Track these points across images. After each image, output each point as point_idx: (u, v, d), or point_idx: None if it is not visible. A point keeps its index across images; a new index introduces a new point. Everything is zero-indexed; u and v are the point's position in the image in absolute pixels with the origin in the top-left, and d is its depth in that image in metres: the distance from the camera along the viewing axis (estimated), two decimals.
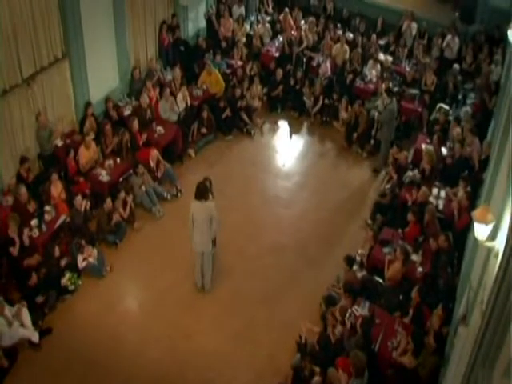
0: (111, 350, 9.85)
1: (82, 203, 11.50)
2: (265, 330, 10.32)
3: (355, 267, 10.68)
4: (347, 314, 9.41)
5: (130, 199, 12.02)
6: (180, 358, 9.83)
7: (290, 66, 16.65)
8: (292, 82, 16.02)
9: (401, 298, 9.97)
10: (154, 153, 12.94)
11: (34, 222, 10.96)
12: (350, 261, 10.52)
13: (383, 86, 15.13)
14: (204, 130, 14.58)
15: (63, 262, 10.68)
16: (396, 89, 15.59)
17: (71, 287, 10.56)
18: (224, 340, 10.14)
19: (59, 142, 12.65)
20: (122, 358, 9.77)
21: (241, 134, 15.05)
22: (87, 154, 12.46)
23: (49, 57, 12.18)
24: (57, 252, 10.63)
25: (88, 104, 13.23)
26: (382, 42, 17.69)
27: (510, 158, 7.28)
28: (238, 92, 15.19)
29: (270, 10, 19.49)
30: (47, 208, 11.29)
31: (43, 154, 12.42)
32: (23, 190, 11.06)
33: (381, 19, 18.14)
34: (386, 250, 10.84)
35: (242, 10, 18.40)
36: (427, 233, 11.01)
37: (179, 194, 12.96)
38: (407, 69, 16.46)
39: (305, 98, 15.80)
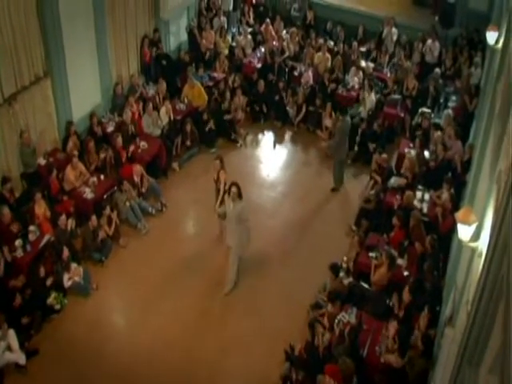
0: (99, 368, 9.75)
1: (66, 223, 11.44)
2: (253, 340, 10.30)
3: (342, 274, 10.65)
4: (336, 321, 9.40)
5: (114, 216, 11.96)
6: (170, 371, 9.78)
7: (273, 76, 16.67)
8: (274, 91, 16.03)
9: (388, 302, 9.95)
10: (138, 168, 12.88)
11: (18, 243, 10.86)
12: (335, 269, 10.50)
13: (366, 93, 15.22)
14: (188, 144, 14.56)
15: (48, 282, 10.57)
16: (378, 95, 15.65)
17: (57, 307, 10.46)
18: (213, 350, 10.12)
19: (42, 161, 12.56)
20: (111, 376, 9.66)
21: (225, 146, 15.01)
22: (74, 173, 12.39)
23: (30, 76, 12.12)
24: (42, 272, 10.52)
25: (70, 123, 13.16)
26: (363, 49, 17.77)
27: (491, 159, 7.31)
28: (223, 106, 15.26)
29: (252, 21, 19.53)
30: (31, 228, 11.18)
31: (27, 172, 12.34)
32: (6, 210, 10.98)
33: (361, 26, 18.20)
34: (372, 254, 10.85)
35: (224, 21, 18.44)
36: (412, 237, 11.03)
37: (164, 209, 12.92)
38: (389, 75, 16.53)
39: (288, 108, 15.82)
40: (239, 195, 10.61)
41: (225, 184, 11.42)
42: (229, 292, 11.14)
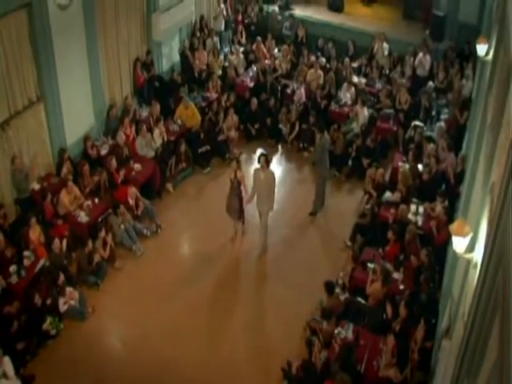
0: None
1: (60, 247, 11.38)
2: (250, 358, 10.24)
3: (337, 290, 10.63)
4: (335, 335, 9.35)
5: (109, 239, 11.89)
6: None
7: (265, 95, 16.70)
8: (267, 110, 16.06)
9: (384, 317, 9.89)
10: (132, 190, 12.84)
11: (12, 269, 10.78)
12: (329, 287, 10.46)
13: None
14: (182, 165, 14.54)
15: (44, 307, 10.45)
16: (370, 111, 15.69)
17: (53, 332, 10.32)
18: (210, 368, 10.05)
19: (36, 186, 12.51)
20: None
21: (219, 166, 15.00)
22: (69, 197, 12.34)
23: (23, 100, 12.12)
24: (37, 297, 10.42)
25: (63, 150, 13.12)
26: (355, 65, 17.85)
27: (484, 171, 7.30)
28: (217, 127, 15.31)
29: (244, 40, 19.63)
30: (26, 253, 11.10)
31: (20, 197, 12.27)
32: (0, 237, 10.90)
33: (352, 42, 18.32)
34: (370, 265, 10.82)
35: (217, 42, 18.53)
36: (408, 252, 10.99)
37: (159, 230, 12.87)
38: (381, 89, 16.58)
39: (281, 126, 15.83)
40: (267, 164, 11.80)
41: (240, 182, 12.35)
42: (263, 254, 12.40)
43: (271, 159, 15.10)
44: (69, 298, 10.80)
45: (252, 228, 12.93)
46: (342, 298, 10.51)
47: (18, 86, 11.88)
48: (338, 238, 12.74)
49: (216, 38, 18.63)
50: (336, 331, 9.44)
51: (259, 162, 11.87)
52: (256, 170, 12.03)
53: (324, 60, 17.99)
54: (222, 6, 19.51)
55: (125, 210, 12.45)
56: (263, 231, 12.37)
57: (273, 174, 12.02)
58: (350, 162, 14.71)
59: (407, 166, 13.07)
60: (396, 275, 10.71)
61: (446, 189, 12.28)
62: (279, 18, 20.08)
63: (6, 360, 9.26)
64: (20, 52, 11.71)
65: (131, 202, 12.78)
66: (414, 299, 9.85)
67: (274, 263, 12.28)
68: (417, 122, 15.03)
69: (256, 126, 15.98)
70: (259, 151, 15.55)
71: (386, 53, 17.78)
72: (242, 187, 12.30)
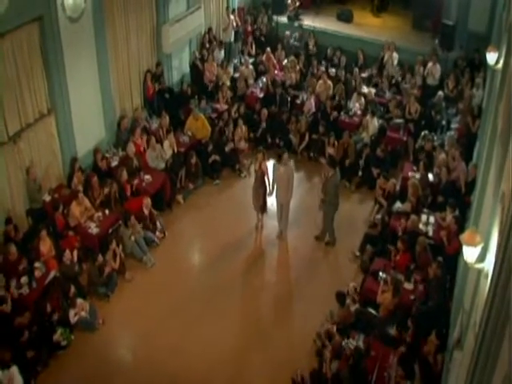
0: None
1: (71, 258, 11.42)
2: (260, 370, 10.21)
3: (348, 301, 10.56)
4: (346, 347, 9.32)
5: (119, 250, 11.91)
6: None
7: (275, 106, 16.71)
8: (277, 120, 16.06)
9: (395, 327, 9.84)
10: (148, 201, 12.88)
11: (23, 280, 10.80)
12: (340, 298, 10.43)
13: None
14: (192, 176, 14.56)
15: (54, 318, 10.48)
16: (380, 121, 15.66)
17: (64, 343, 10.34)
18: (219, 381, 10.01)
19: (47, 197, 12.57)
20: None
21: (229, 177, 15.03)
22: (80, 209, 12.38)
23: (34, 113, 12.19)
24: (48, 308, 10.45)
25: (74, 160, 13.19)
26: (364, 75, 17.84)
27: (495, 180, 7.26)
28: (225, 137, 15.33)
29: (253, 52, 19.67)
30: (37, 264, 11.13)
31: (33, 207, 12.34)
32: (13, 249, 10.93)
33: (362, 52, 18.31)
34: (382, 274, 10.77)
35: (222, 53, 18.57)
36: (419, 263, 10.94)
37: (166, 234, 13.02)
38: (391, 99, 16.54)
39: (291, 136, 15.83)
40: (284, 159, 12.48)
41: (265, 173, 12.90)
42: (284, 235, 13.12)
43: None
44: (79, 310, 10.82)
45: (263, 237, 13.08)
46: (353, 308, 10.46)
47: (29, 99, 11.96)
48: (348, 248, 12.69)
49: (222, 50, 18.66)
50: (346, 342, 9.38)
51: (275, 158, 12.76)
52: (275, 165, 12.78)
53: (334, 70, 17.99)
54: (232, 17, 19.57)
55: (135, 221, 12.47)
56: (284, 220, 12.98)
57: (291, 167, 12.88)
58: (360, 173, 14.72)
59: (417, 176, 13.05)
60: (407, 285, 10.68)
61: (457, 198, 12.22)
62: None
63: (15, 371, 9.22)
64: (31, 65, 11.79)
65: (146, 211, 12.82)
66: (422, 312, 9.78)
67: (283, 274, 12.27)
68: (427, 132, 14.98)
69: (266, 137, 15.97)
70: (269, 161, 15.63)
71: (396, 62, 17.76)
72: (266, 178, 12.81)
